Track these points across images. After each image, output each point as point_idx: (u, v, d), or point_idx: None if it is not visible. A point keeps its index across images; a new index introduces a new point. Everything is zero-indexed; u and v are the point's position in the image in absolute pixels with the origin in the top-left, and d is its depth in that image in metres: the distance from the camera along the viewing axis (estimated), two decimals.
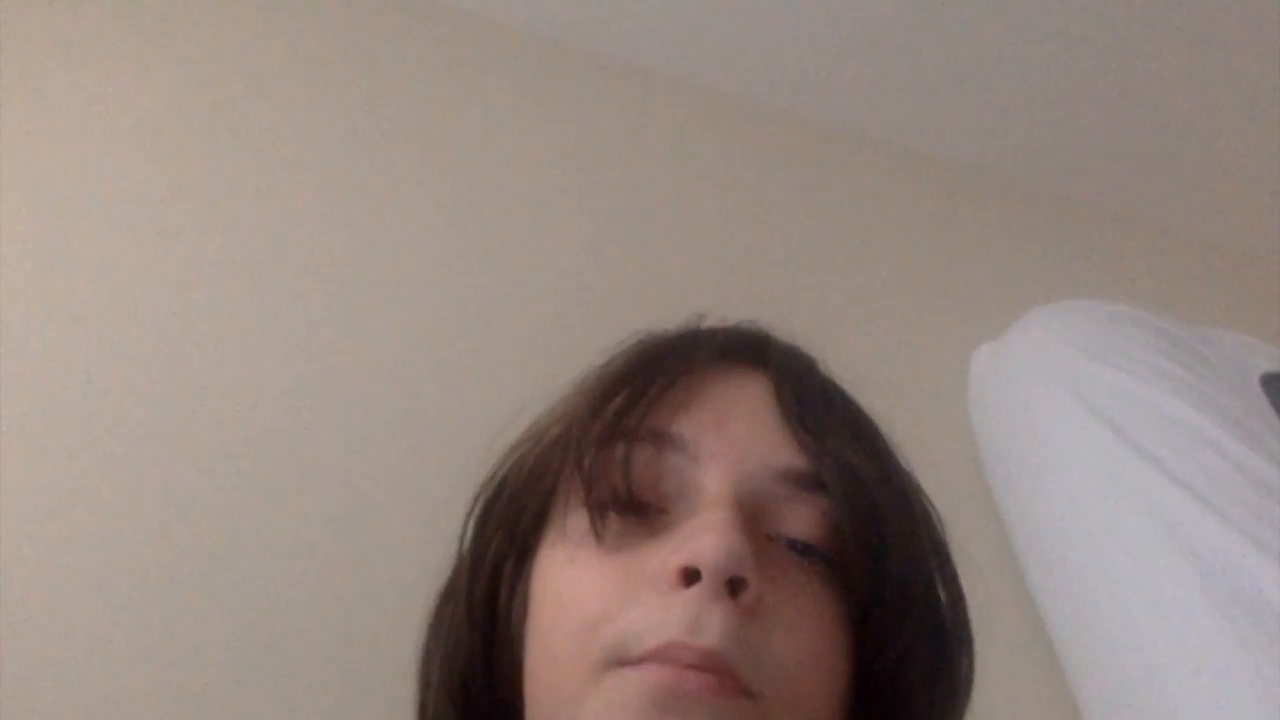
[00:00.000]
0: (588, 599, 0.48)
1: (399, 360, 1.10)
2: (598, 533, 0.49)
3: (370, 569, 0.96)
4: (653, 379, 0.53)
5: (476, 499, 0.57)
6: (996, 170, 1.57)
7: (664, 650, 0.44)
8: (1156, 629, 0.92)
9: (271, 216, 1.14)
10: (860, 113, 1.50)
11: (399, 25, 1.33)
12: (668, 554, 0.47)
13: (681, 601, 0.45)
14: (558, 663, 0.48)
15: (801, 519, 0.50)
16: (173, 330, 1.04)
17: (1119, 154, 1.56)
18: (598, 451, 0.51)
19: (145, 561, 0.93)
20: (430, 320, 1.14)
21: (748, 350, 0.56)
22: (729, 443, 0.51)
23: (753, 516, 0.49)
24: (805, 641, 0.48)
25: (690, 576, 0.46)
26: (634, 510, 0.50)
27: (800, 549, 0.50)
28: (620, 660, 0.45)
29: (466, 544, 0.57)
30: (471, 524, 0.57)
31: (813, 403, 0.54)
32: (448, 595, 0.58)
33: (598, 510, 0.50)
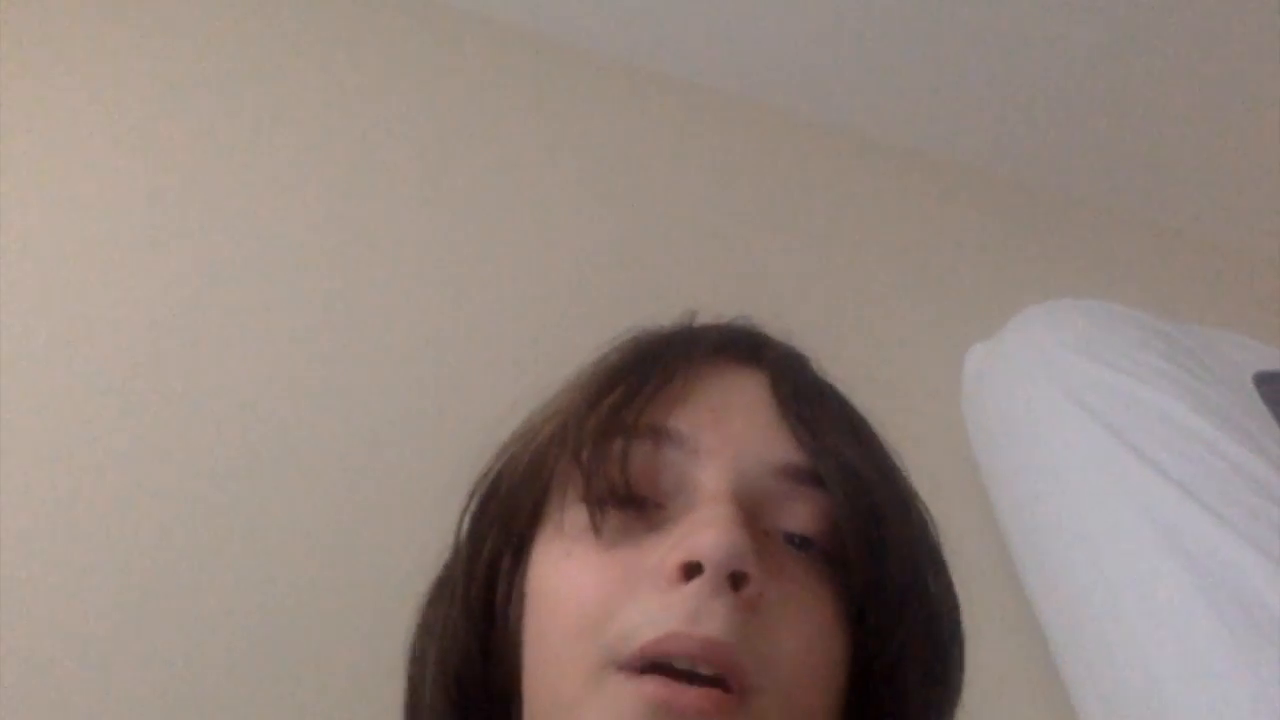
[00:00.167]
0: (586, 595, 0.48)
1: (397, 358, 1.09)
2: (596, 527, 0.49)
3: (370, 567, 0.96)
4: (649, 374, 0.53)
5: (472, 495, 0.57)
6: (990, 169, 1.57)
7: (665, 641, 0.44)
8: (1152, 630, 0.92)
9: (270, 216, 1.14)
10: (857, 112, 1.50)
11: (400, 25, 1.33)
12: (668, 549, 0.47)
13: (682, 596, 0.45)
14: (557, 663, 0.48)
15: (799, 515, 0.50)
16: (173, 329, 1.04)
17: (1115, 153, 1.56)
18: (595, 446, 0.51)
19: (145, 560, 0.92)
20: (428, 318, 1.14)
21: (743, 347, 0.57)
22: (727, 438, 0.51)
23: (751, 512, 0.49)
24: (805, 638, 0.48)
25: (691, 571, 0.46)
26: (632, 505, 0.50)
27: (798, 545, 0.50)
28: (619, 656, 0.45)
29: (462, 540, 0.56)
30: (467, 520, 0.56)
31: (809, 400, 0.54)
32: (440, 593, 0.57)
33: (596, 505, 0.50)
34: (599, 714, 0.45)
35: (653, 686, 0.44)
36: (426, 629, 0.57)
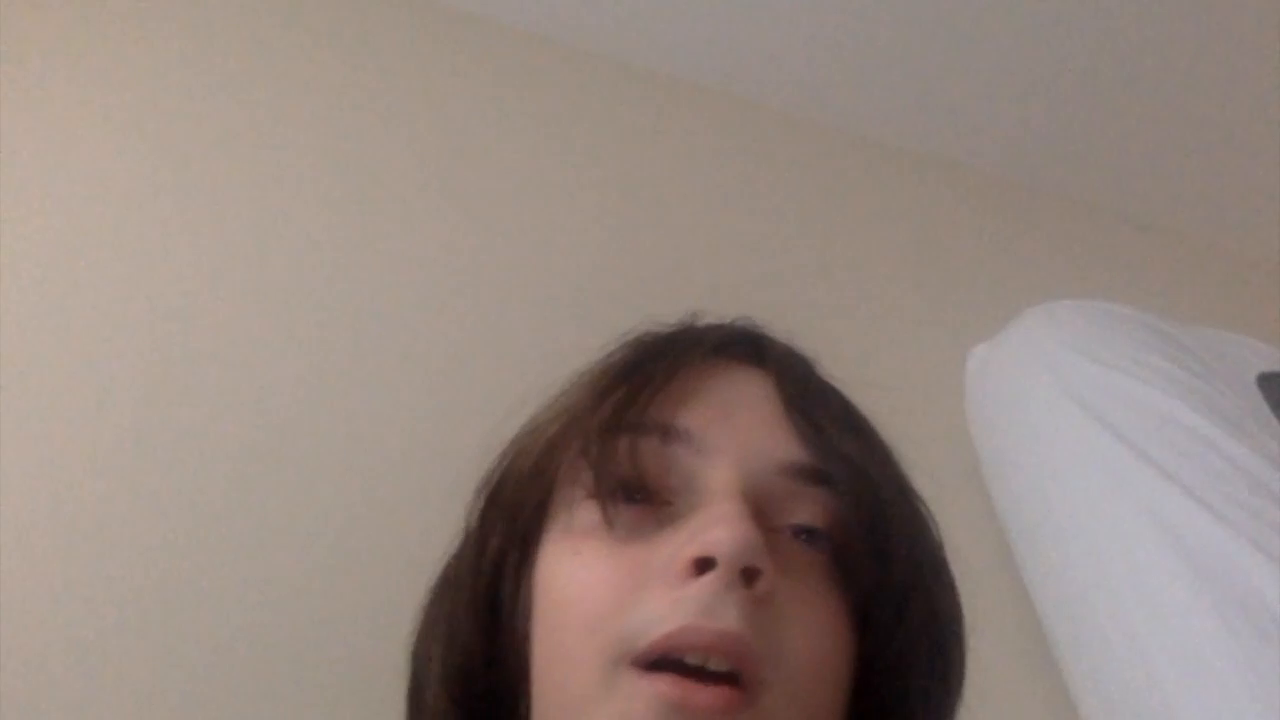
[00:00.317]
0: (596, 592, 0.48)
1: (399, 357, 1.10)
2: (609, 522, 0.49)
3: (373, 565, 0.96)
4: (655, 372, 0.53)
5: (478, 493, 0.57)
6: (992, 170, 1.57)
7: (679, 634, 0.44)
8: (1153, 629, 0.92)
9: (271, 215, 1.14)
10: (858, 113, 1.50)
11: (401, 25, 1.33)
12: (679, 545, 0.47)
13: (695, 590, 0.45)
14: (567, 660, 0.48)
15: (805, 513, 0.51)
16: (176, 328, 1.04)
17: (1116, 154, 1.56)
18: (604, 442, 0.51)
19: (149, 557, 0.92)
20: (430, 317, 1.14)
21: (747, 347, 0.57)
22: (734, 436, 0.51)
23: (758, 510, 0.49)
24: (813, 634, 0.48)
25: (703, 566, 0.46)
26: (640, 502, 0.50)
27: (804, 543, 0.50)
28: (631, 652, 0.45)
29: (467, 538, 0.57)
30: (473, 519, 0.56)
31: (813, 399, 0.54)
32: (444, 591, 0.58)
33: (606, 501, 0.50)
34: (611, 712, 0.45)
35: (665, 685, 0.44)
36: (430, 627, 0.57)
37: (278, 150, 1.18)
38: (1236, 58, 1.42)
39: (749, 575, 0.46)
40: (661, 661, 0.45)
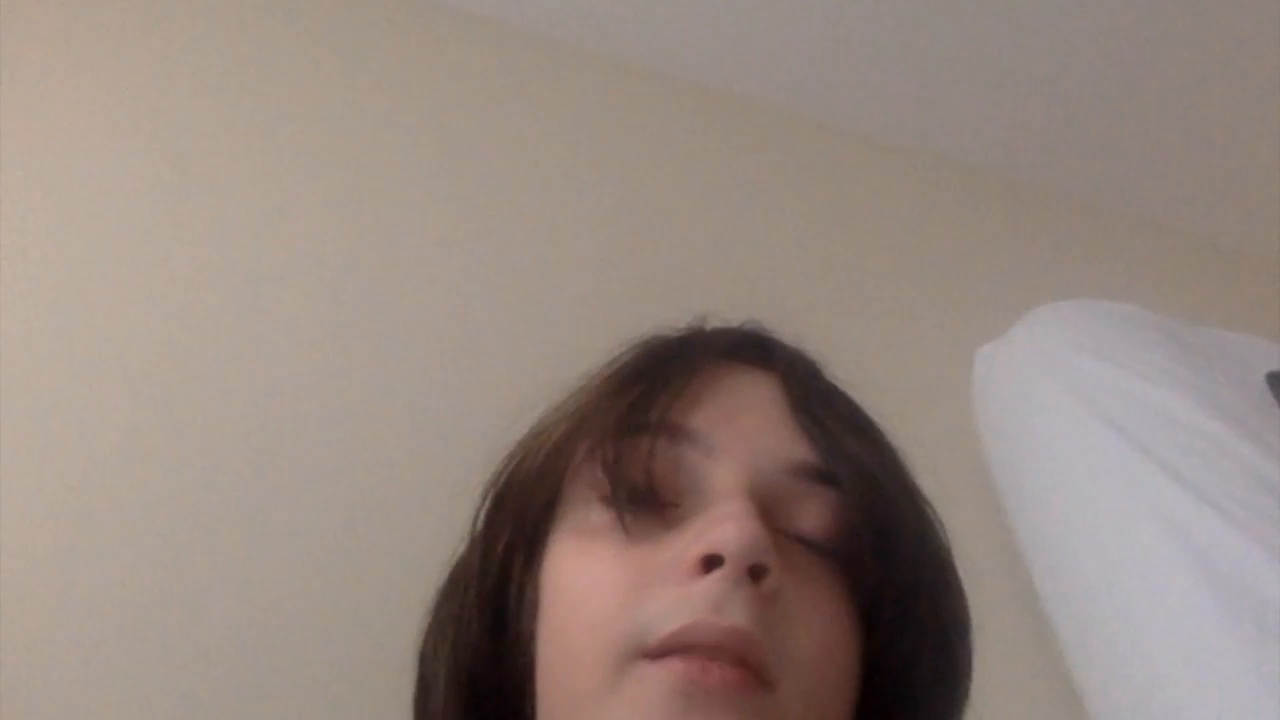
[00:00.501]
0: (604, 592, 0.48)
1: (402, 358, 1.10)
2: (622, 525, 0.50)
3: (380, 565, 0.96)
4: (664, 375, 0.54)
5: (486, 494, 0.57)
6: (999, 170, 1.57)
7: (688, 630, 0.45)
8: (1162, 630, 0.92)
9: (272, 215, 1.14)
10: (863, 113, 1.50)
11: (400, 25, 1.33)
12: (687, 543, 0.47)
13: (703, 587, 0.46)
14: (575, 660, 0.48)
15: (813, 513, 0.51)
16: (179, 328, 1.04)
17: (1121, 154, 1.55)
18: (616, 444, 0.51)
19: (153, 556, 0.93)
20: (433, 317, 1.14)
21: (755, 349, 0.57)
22: (741, 437, 0.52)
23: (765, 510, 0.49)
24: (820, 633, 0.48)
25: (711, 564, 0.46)
26: (649, 502, 0.50)
27: (811, 543, 0.50)
28: (640, 649, 0.45)
29: (475, 539, 0.57)
30: (481, 520, 0.57)
31: (820, 401, 0.55)
32: (452, 591, 0.58)
33: (612, 504, 0.50)
34: (623, 703, 0.45)
35: (680, 665, 0.44)
36: (438, 627, 0.57)
37: (279, 150, 1.18)
38: (1238, 58, 1.42)
39: (756, 573, 0.46)
40: (673, 652, 0.45)
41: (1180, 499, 0.96)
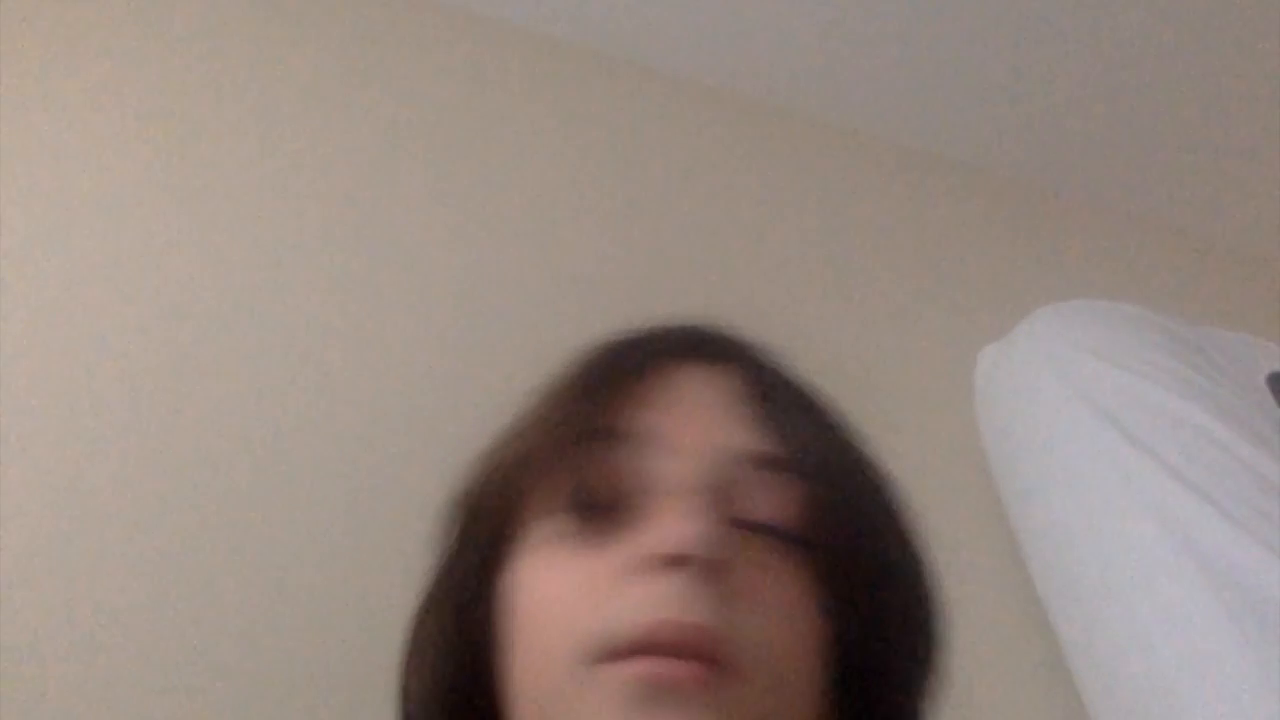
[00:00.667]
0: (566, 600, 0.49)
1: (402, 357, 1.10)
2: (577, 533, 0.50)
3: (378, 566, 0.96)
4: (616, 379, 0.54)
5: (451, 512, 0.57)
6: (1000, 170, 1.57)
7: (654, 630, 0.45)
8: (1163, 631, 0.92)
9: (271, 215, 1.14)
10: (864, 113, 1.50)
11: (399, 24, 1.33)
12: (643, 543, 0.48)
13: (660, 587, 0.46)
14: (544, 666, 0.48)
15: (769, 502, 0.51)
16: (173, 327, 1.04)
17: (1124, 154, 1.55)
18: (570, 454, 0.52)
19: (148, 561, 0.93)
20: (434, 317, 1.14)
21: (707, 346, 0.58)
22: (694, 433, 0.52)
23: (722, 502, 0.50)
24: (784, 621, 0.48)
25: (666, 562, 0.46)
26: (609, 507, 0.50)
27: (771, 531, 0.51)
28: (604, 652, 0.46)
29: (441, 556, 0.57)
30: (445, 536, 0.57)
31: (774, 390, 0.55)
32: (423, 616, 0.58)
33: (574, 512, 0.51)
34: (591, 705, 0.45)
35: (642, 665, 0.45)
36: (415, 648, 0.58)
37: (279, 150, 1.18)
38: (1239, 58, 1.42)
39: (712, 568, 0.46)
40: (637, 652, 0.45)
41: (1182, 500, 0.96)
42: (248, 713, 0.89)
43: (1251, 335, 1.24)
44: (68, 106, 1.13)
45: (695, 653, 0.45)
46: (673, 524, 0.47)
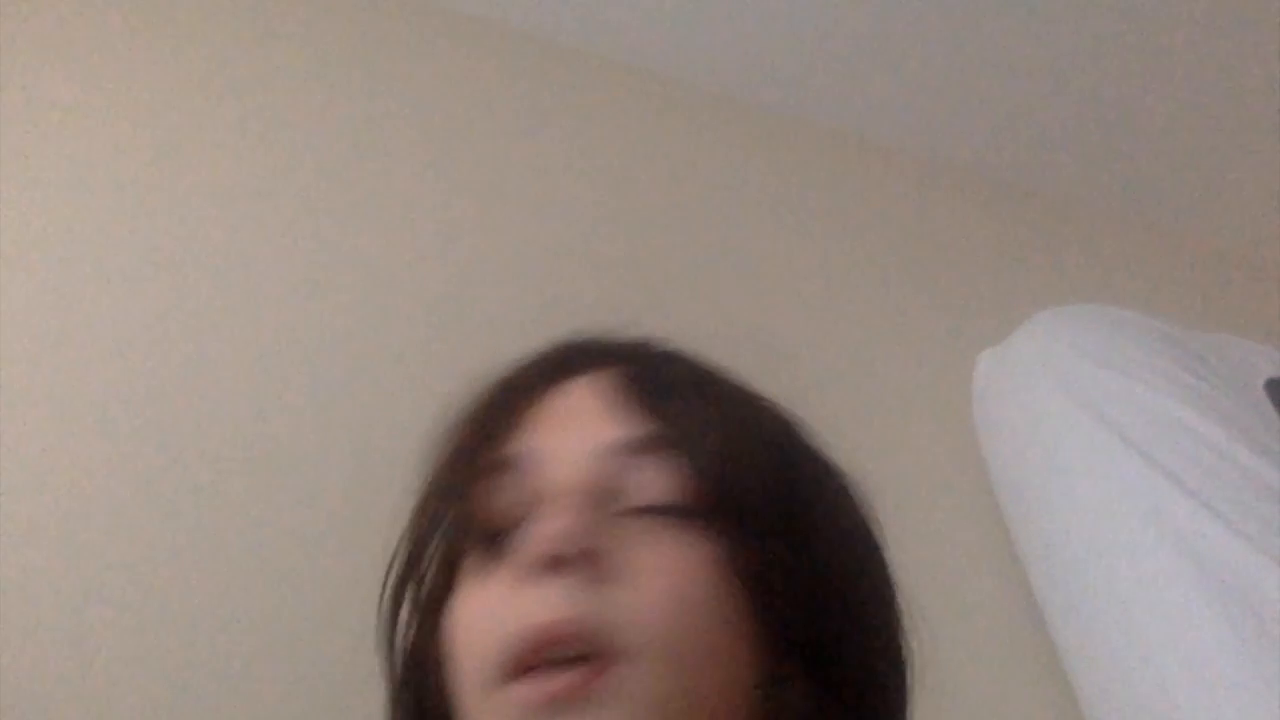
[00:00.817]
0: (474, 625, 0.51)
1: (403, 356, 1.10)
2: (484, 562, 0.53)
3: (374, 569, 0.96)
4: (501, 415, 0.58)
5: (385, 581, 0.60)
6: (999, 174, 1.57)
7: (522, 639, 0.47)
8: (1162, 635, 0.92)
9: (268, 214, 1.14)
10: (862, 116, 1.50)
11: (398, 23, 1.33)
12: (517, 555, 0.50)
13: (532, 592, 0.48)
14: (466, 693, 0.51)
15: (651, 482, 0.52)
16: (172, 327, 1.04)
17: (1123, 158, 1.56)
18: (463, 496, 0.55)
19: (144, 561, 0.93)
20: (434, 317, 1.14)
21: (580, 358, 0.60)
22: (568, 441, 0.54)
23: (605, 496, 0.52)
24: (668, 594, 0.49)
25: (535, 567, 0.49)
26: (507, 533, 0.52)
27: (657, 509, 0.52)
28: (504, 672, 0.48)
29: (388, 626, 0.60)
30: (388, 591, 0.60)
31: (646, 377, 0.57)
32: (390, 661, 0.60)
33: (480, 543, 0.53)
34: None
35: (524, 689, 0.47)
36: (393, 701, 0.60)
37: (277, 150, 1.18)
38: (1239, 61, 1.43)
39: (569, 560, 0.48)
40: (524, 668, 0.47)
41: (1180, 504, 0.96)
42: (248, 712, 0.89)
43: (1250, 340, 1.24)
44: (63, 104, 1.13)
45: (579, 650, 0.47)
46: (534, 529, 0.49)
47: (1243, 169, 1.55)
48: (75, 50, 1.16)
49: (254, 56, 1.24)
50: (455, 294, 1.17)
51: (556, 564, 0.48)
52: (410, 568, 0.59)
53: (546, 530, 0.49)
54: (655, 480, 0.52)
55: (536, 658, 0.47)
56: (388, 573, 0.60)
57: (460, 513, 0.55)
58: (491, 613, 0.50)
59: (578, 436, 0.54)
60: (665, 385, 0.56)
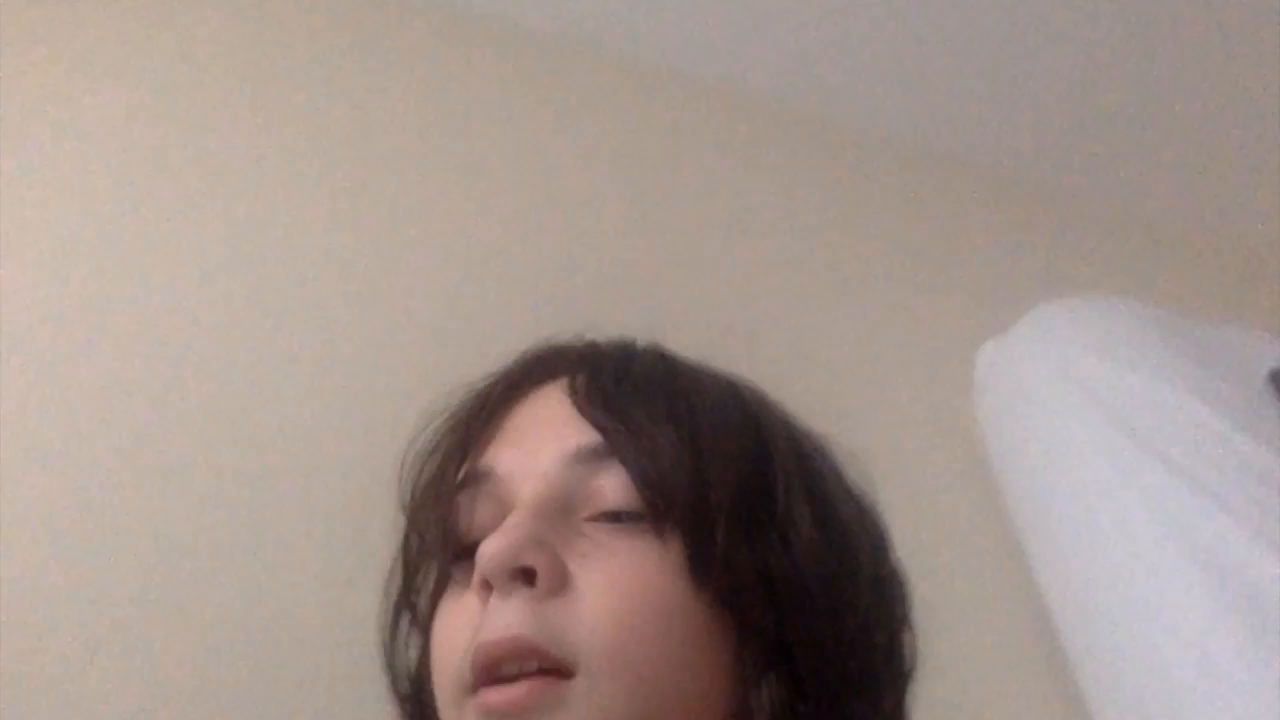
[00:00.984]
0: (446, 641, 0.52)
1: (402, 356, 1.10)
2: (460, 577, 0.53)
3: (375, 568, 0.96)
4: (468, 431, 0.58)
5: (386, 589, 0.61)
6: (1000, 167, 1.56)
7: (478, 655, 0.48)
8: (1164, 627, 0.91)
9: (268, 214, 1.14)
10: (862, 110, 1.50)
11: (397, 23, 1.33)
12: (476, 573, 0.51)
13: (486, 609, 0.49)
14: (443, 706, 0.52)
15: (608, 492, 0.52)
16: (171, 327, 1.04)
17: (1123, 151, 1.55)
18: (434, 512, 0.56)
19: (143, 556, 0.93)
20: (436, 317, 1.14)
21: (540, 368, 0.60)
22: (527, 452, 0.54)
23: (563, 507, 0.52)
24: (622, 603, 0.49)
25: (485, 585, 0.49)
26: (472, 550, 0.52)
27: (617, 516, 0.52)
28: (470, 684, 0.49)
29: (385, 626, 0.61)
30: (388, 612, 0.61)
31: (605, 385, 0.56)
32: (390, 675, 0.62)
33: (457, 558, 0.54)
34: None
35: (481, 699, 0.48)
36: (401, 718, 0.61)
37: (276, 149, 1.18)
38: (1238, 57, 1.42)
39: (521, 575, 0.49)
40: (485, 682, 0.48)
41: (1184, 496, 0.96)
42: (248, 712, 0.89)
43: (1252, 331, 1.24)
44: (62, 103, 1.13)
45: (519, 663, 0.47)
46: (482, 547, 0.49)
47: (1244, 161, 1.55)
48: (75, 50, 1.16)
49: (254, 54, 1.24)
50: (459, 292, 1.17)
51: (488, 586, 0.49)
52: (405, 588, 0.60)
53: (486, 550, 0.49)
54: (614, 487, 0.52)
55: (491, 674, 0.47)
56: (385, 594, 0.61)
57: (440, 529, 0.56)
58: (460, 628, 0.50)
59: (537, 449, 0.54)
60: (630, 387, 0.55)
